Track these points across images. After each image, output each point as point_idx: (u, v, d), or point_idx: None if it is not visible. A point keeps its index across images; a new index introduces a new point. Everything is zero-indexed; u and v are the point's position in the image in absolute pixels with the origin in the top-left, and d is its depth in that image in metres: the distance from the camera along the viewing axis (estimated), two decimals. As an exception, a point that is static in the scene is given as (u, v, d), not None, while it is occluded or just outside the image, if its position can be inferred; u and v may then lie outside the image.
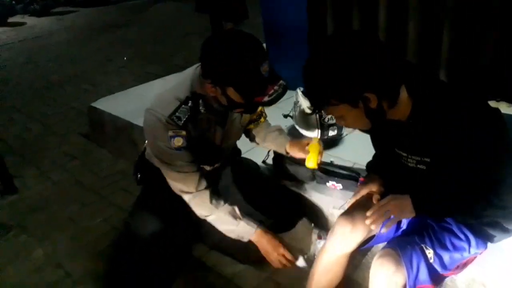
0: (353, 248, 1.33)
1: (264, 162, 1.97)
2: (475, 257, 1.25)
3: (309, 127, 2.02)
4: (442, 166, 1.13)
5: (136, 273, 1.68)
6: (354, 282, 1.56)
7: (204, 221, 1.49)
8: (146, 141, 1.65)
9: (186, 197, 1.45)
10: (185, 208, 1.47)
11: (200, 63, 1.34)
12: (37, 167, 2.92)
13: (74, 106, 3.96)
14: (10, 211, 2.46)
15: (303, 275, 1.50)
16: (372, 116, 1.06)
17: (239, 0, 3.27)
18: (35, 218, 2.36)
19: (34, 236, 2.21)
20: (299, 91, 2.09)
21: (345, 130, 2.08)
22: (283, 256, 1.46)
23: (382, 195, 1.29)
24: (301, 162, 1.79)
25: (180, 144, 1.35)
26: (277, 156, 1.87)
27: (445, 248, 1.18)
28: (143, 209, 1.60)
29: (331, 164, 1.82)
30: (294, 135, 1.99)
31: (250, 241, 1.48)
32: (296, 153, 1.60)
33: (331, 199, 1.73)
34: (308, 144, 1.57)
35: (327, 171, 1.75)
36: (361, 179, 1.61)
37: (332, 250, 1.34)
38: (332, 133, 2.01)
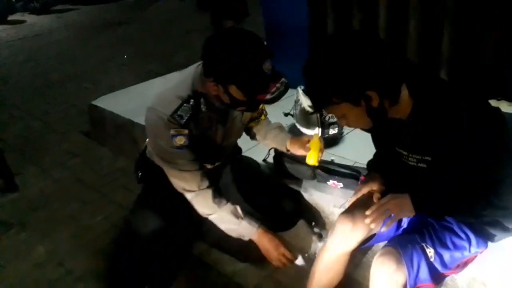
0: (353, 247, 1.33)
1: (264, 160, 1.97)
2: (475, 256, 1.25)
3: (309, 125, 2.03)
4: (442, 166, 1.13)
5: (137, 270, 1.69)
6: (355, 281, 1.56)
7: (205, 219, 1.50)
8: (147, 139, 1.65)
9: (188, 196, 1.45)
10: (186, 206, 1.48)
11: (201, 62, 1.34)
12: (37, 165, 2.92)
13: (75, 104, 3.95)
14: (11, 209, 2.46)
15: (304, 273, 1.50)
16: (374, 114, 1.06)
17: (240, -2, 3.29)
18: (36, 216, 2.36)
19: (35, 233, 2.22)
20: (299, 90, 2.09)
21: (346, 129, 2.08)
22: (283, 255, 1.47)
23: (383, 194, 1.29)
24: (302, 160, 1.79)
25: (182, 143, 1.35)
26: (278, 155, 1.87)
27: (445, 247, 1.18)
28: (144, 207, 1.60)
29: (331, 162, 1.81)
30: (294, 134, 1.99)
31: (250, 240, 1.48)
32: (297, 150, 1.60)
33: (331, 197, 1.73)
34: (308, 141, 1.57)
35: (327, 170, 1.75)
36: (361, 177, 1.61)
37: (333, 249, 1.35)
38: (332, 131, 2.02)
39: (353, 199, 1.38)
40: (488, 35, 2.06)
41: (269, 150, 1.94)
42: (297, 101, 2.12)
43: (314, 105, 1.12)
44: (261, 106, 1.66)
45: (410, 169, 1.21)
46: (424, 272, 1.16)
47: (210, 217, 1.47)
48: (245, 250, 1.76)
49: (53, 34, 6.99)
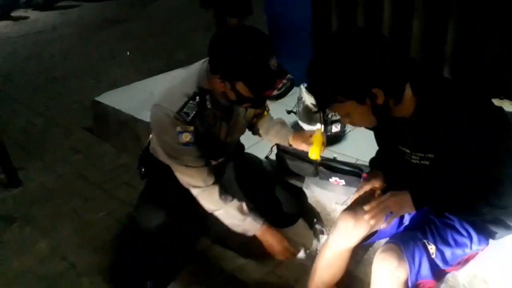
0: (355, 243, 1.34)
1: (267, 157, 1.98)
2: (476, 253, 1.26)
3: (312, 123, 2.03)
4: (443, 165, 1.14)
5: (140, 266, 1.70)
6: (356, 277, 1.57)
7: (209, 215, 1.51)
8: (151, 136, 1.66)
9: (194, 191, 1.46)
10: (190, 201, 1.49)
11: (206, 59, 1.35)
12: (41, 160, 2.93)
13: (77, 100, 3.97)
14: (14, 204, 2.48)
15: (305, 269, 1.51)
16: (378, 112, 1.06)
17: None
18: (39, 211, 2.37)
19: (38, 228, 2.23)
20: (302, 87, 2.10)
21: (348, 126, 2.09)
22: (287, 249, 1.50)
23: (385, 191, 1.30)
24: (304, 157, 1.80)
25: (188, 139, 1.36)
26: (280, 152, 1.88)
27: (447, 244, 1.19)
28: (147, 203, 1.61)
29: (334, 160, 1.82)
30: (297, 131, 2.00)
31: (254, 235, 1.50)
32: (299, 145, 1.61)
33: (333, 194, 1.74)
34: (311, 136, 1.58)
35: (330, 167, 1.76)
36: (364, 175, 1.62)
37: (335, 245, 1.35)
38: (335, 129, 2.03)
39: (355, 196, 1.38)
40: (490, 34, 2.06)
41: (272, 147, 1.95)
42: (300, 99, 2.13)
43: (319, 104, 1.12)
44: None
45: (413, 167, 1.22)
46: (425, 269, 1.17)
47: (216, 213, 1.49)
48: (247, 246, 1.77)
49: (56, 31, 7.00)
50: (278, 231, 1.53)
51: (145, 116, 2.62)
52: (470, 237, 1.21)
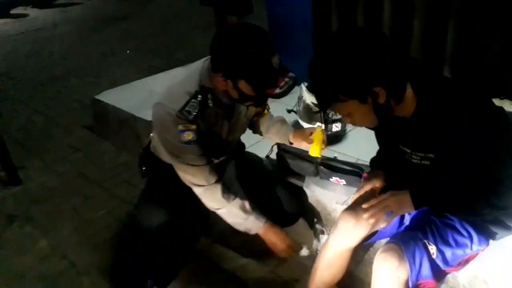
0: (356, 243, 1.34)
1: (267, 157, 1.98)
2: (477, 254, 1.26)
3: (313, 122, 2.03)
4: (443, 164, 1.14)
5: (140, 264, 1.70)
6: (356, 277, 1.57)
7: (209, 214, 1.51)
8: (152, 134, 1.66)
9: (197, 190, 1.46)
10: (190, 200, 1.49)
11: (208, 57, 1.34)
12: (41, 159, 2.93)
13: (77, 98, 3.96)
14: (15, 202, 2.48)
15: (306, 269, 1.52)
16: (380, 112, 1.06)
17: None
18: (39, 209, 2.37)
19: (39, 227, 2.23)
20: (303, 86, 2.10)
21: (349, 126, 2.09)
22: (290, 247, 1.50)
23: (385, 191, 1.30)
24: (304, 157, 1.80)
25: (190, 138, 1.36)
26: (281, 151, 1.88)
27: (447, 244, 1.19)
28: (148, 202, 1.61)
29: (334, 159, 1.82)
30: (297, 129, 2.00)
31: (256, 234, 1.50)
32: (300, 143, 1.61)
33: (334, 194, 1.74)
34: (311, 133, 1.58)
35: (330, 167, 1.76)
36: (364, 175, 1.62)
37: (336, 245, 1.35)
38: (335, 128, 2.02)
39: (356, 196, 1.38)
40: (491, 34, 2.06)
41: (272, 146, 1.94)
42: (300, 98, 2.13)
43: (320, 104, 1.12)
44: None
45: (413, 166, 1.22)
46: (426, 269, 1.17)
47: (218, 211, 1.49)
48: (248, 246, 1.77)
49: (56, 28, 6.99)
50: (281, 229, 1.53)
51: (145, 114, 2.62)
52: (470, 238, 1.21)
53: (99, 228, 2.17)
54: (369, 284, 1.24)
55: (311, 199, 1.80)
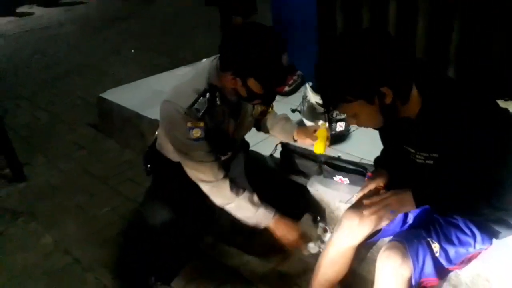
0: (359, 241, 1.35)
1: (271, 155, 1.99)
2: (480, 253, 1.26)
3: (317, 121, 2.03)
4: (445, 165, 1.15)
5: (145, 261, 1.71)
6: (359, 275, 1.58)
7: (213, 212, 1.52)
8: (157, 132, 1.67)
9: (205, 187, 1.46)
10: (195, 198, 1.50)
11: (216, 56, 1.36)
12: (45, 156, 2.95)
13: (82, 96, 3.98)
14: (19, 198, 2.49)
15: (309, 267, 1.52)
16: (386, 112, 1.07)
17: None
18: (43, 206, 2.39)
19: (43, 223, 2.25)
20: (308, 86, 2.11)
21: (353, 125, 2.09)
22: (299, 238, 1.50)
23: (389, 190, 1.30)
24: (308, 156, 1.81)
25: (198, 135, 1.37)
26: (285, 150, 1.89)
27: (451, 242, 1.20)
28: (154, 199, 1.62)
29: (338, 158, 1.83)
30: (301, 127, 2.00)
31: (264, 228, 1.50)
32: (304, 140, 1.62)
33: (337, 193, 1.75)
34: (315, 131, 1.59)
35: (334, 166, 1.77)
36: (368, 174, 1.62)
37: (339, 243, 1.36)
38: (339, 128, 2.03)
39: (360, 195, 1.39)
40: (495, 35, 2.06)
41: (276, 145, 1.95)
42: (304, 98, 2.14)
43: (327, 105, 1.12)
44: None
45: (418, 166, 1.22)
46: (429, 267, 1.18)
47: (227, 206, 1.48)
48: (251, 243, 1.78)
49: (61, 27, 7.01)
50: (290, 220, 1.52)
51: (149, 113, 2.64)
52: (474, 236, 1.22)
53: (103, 225, 2.18)
54: (371, 282, 1.25)
55: (314, 198, 1.80)
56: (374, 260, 1.24)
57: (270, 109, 1.72)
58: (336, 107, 1.11)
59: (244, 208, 1.48)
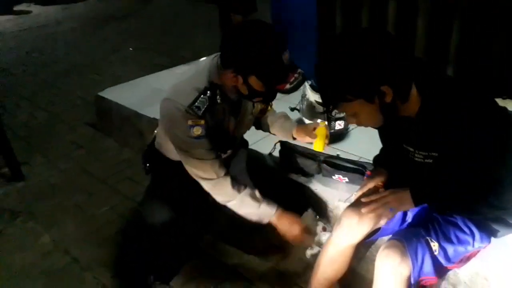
0: (359, 240, 1.35)
1: (270, 154, 1.99)
2: (478, 251, 1.27)
3: (316, 120, 2.04)
4: (444, 164, 1.15)
5: (144, 260, 1.71)
6: (358, 274, 1.58)
7: (213, 210, 1.51)
8: (156, 131, 1.67)
9: (207, 184, 1.46)
10: (195, 197, 1.49)
11: (216, 54, 1.36)
12: (43, 155, 2.94)
13: (80, 95, 3.97)
14: (18, 198, 2.49)
15: (308, 265, 1.52)
16: (386, 111, 1.07)
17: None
18: (42, 205, 2.38)
19: (42, 222, 2.24)
20: (307, 85, 2.11)
21: (352, 124, 2.09)
22: (302, 234, 1.49)
23: (387, 189, 1.30)
24: (307, 154, 1.81)
25: (199, 133, 1.37)
26: (284, 149, 1.89)
27: (449, 241, 1.20)
28: (153, 199, 1.62)
29: (337, 157, 1.83)
30: (301, 124, 2.00)
31: (268, 223, 1.49)
32: (303, 138, 1.62)
33: (336, 192, 1.75)
34: (314, 128, 1.59)
35: (333, 164, 1.77)
36: (368, 172, 1.63)
37: (339, 241, 1.36)
38: (338, 126, 2.03)
39: (359, 193, 1.39)
40: (494, 34, 2.07)
41: (275, 144, 1.95)
42: (304, 96, 2.14)
43: (327, 104, 1.12)
44: None
45: (417, 165, 1.23)
46: (428, 265, 1.18)
47: (230, 204, 1.48)
48: (250, 242, 1.78)
49: (59, 26, 6.99)
50: (293, 214, 1.51)
51: (148, 111, 2.63)
52: (472, 235, 1.22)
53: (102, 224, 2.18)
54: (370, 281, 1.25)
55: (313, 196, 1.80)
56: (373, 259, 1.25)
57: (269, 108, 1.72)
58: (336, 106, 1.11)
59: (247, 205, 1.47)
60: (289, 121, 1.71)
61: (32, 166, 2.80)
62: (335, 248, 1.38)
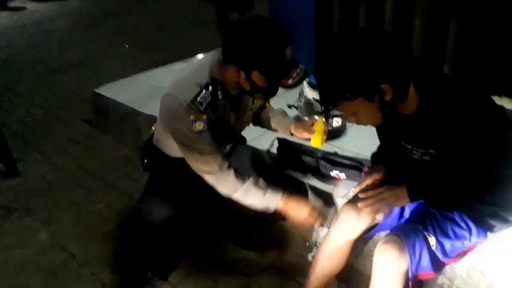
0: (357, 235, 1.36)
1: (268, 151, 1.99)
2: (475, 246, 1.28)
3: (313, 117, 2.04)
4: (441, 161, 1.16)
5: (142, 256, 1.71)
6: (356, 269, 1.59)
7: (212, 207, 1.51)
8: (154, 127, 1.67)
9: (210, 178, 1.45)
10: (193, 194, 1.49)
11: (218, 49, 1.36)
12: (39, 152, 2.93)
13: (76, 92, 3.96)
14: (13, 194, 2.48)
15: (306, 261, 1.53)
16: (386, 109, 1.07)
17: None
18: (38, 202, 2.38)
19: (38, 219, 2.23)
20: (305, 82, 2.11)
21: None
22: (313, 214, 1.47)
23: (384, 185, 1.31)
24: (305, 151, 1.82)
25: (201, 128, 1.37)
26: (282, 145, 1.89)
27: (447, 236, 1.21)
28: (151, 195, 1.62)
29: (335, 154, 1.84)
30: (299, 121, 2.01)
31: (275, 211, 1.47)
32: (301, 134, 1.62)
33: (334, 188, 1.75)
34: (312, 124, 1.59)
35: (331, 161, 1.78)
36: (365, 169, 1.63)
37: (337, 237, 1.37)
38: (336, 123, 2.04)
39: (357, 189, 1.40)
40: (491, 33, 2.08)
41: (273, 141, 1.96)
42: (301, 93, 2.14)
43: (326, 103, 1.12)
44: None
45: (414, 162, 1.24)
46: (425, 260, 1.19)
47: (235, 195, 1.45)
48: (248, 238, 1.79)
49: (54, 22, 6.95)
50: (300, 197, 1.49)
51: (145, 108, 2.63)
52: (469, 230, 1.23)
53: (99, 221, 2.17)
54: (368, 276, 1.26)
55: (311, 193, 1.81)
56: (371, 255, 1.25)
57: (267, 104, 1.72)
58: (335, 105, 1.11)
59: (252, 194, 1.45)
60: (287, 118, 1.72)
61: (27, 162, 2.79)
62: (333, 243, 1.38)
